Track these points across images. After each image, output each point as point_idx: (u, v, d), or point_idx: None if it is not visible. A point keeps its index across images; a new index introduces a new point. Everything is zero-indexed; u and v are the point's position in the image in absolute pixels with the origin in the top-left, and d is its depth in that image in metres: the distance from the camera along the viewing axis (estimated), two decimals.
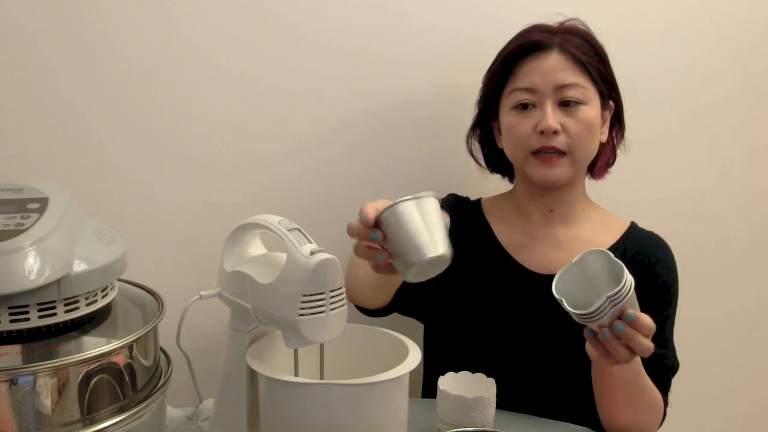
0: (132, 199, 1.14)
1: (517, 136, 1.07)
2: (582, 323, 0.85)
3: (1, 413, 0.63)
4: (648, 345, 0.84)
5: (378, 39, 1.23)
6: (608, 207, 1.18)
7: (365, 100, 1.25)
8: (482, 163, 1.21)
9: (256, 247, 0.91)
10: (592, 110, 1.06)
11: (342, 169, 1.25)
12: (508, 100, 1.08)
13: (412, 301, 1.11)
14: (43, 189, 0.73)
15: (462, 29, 1.27)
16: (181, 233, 1.17)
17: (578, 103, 1.05)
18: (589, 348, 0.88)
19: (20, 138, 1.08)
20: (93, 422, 0.67)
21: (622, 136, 1.16)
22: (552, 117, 1.03)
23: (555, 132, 1.03)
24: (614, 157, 1.17)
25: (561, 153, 1.05)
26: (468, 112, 1.19)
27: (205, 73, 1.15)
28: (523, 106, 1.06)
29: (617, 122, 1.14)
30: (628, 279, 0.82)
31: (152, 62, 1.12)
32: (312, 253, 0.78)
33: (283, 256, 0.81)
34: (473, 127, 1.19)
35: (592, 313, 0.82)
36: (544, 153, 1.05)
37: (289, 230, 0.81)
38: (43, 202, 0.71)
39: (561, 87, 1.04)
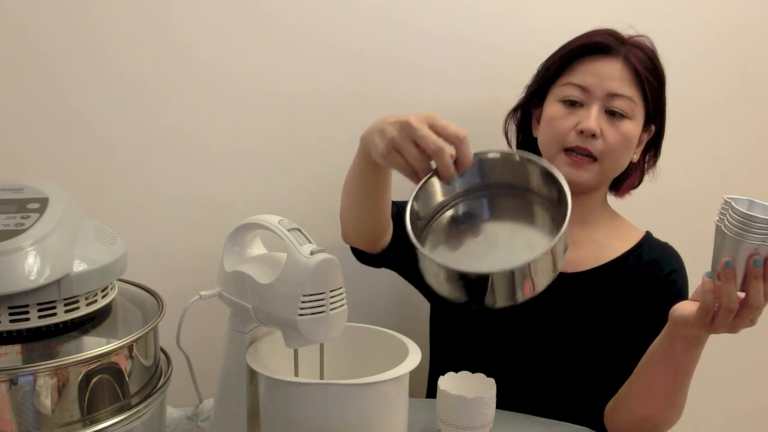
0: (132, 199, 1.14)
1: (557, 129, 1.07)
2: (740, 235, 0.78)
3: (1, 413, 0.63)
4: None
5: (388, 47, 1.23)
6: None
7: (370, 106, 1.24)
8: (513, 147, 1.21)
9: (256, 247, 0.91)
10: (634, 126, 1.06)
11: (343, 171, 1.25)
12: (558, 92, 1.09)
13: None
14: (43, 189, 0.73)
15: (484, 42, 1.28)
16: (181, 233, 1.17)
17: (624, 116, 1.05)
18: (703, 293, 0.84)
19: (20, 138, 1.08)
20: (93, 422, 0.67)
21: (655, 162, 1.17)
22: (595, 120, 1.03)
23: (593, 135, 1.04)
24: (641, 179, 1.18)
25: (592, 158, 1.05)
26: (482, 126, 1.19)
27: (206, 73, 1.15)
28: (571, 103, 1.06)
29: (653, 147, 1.15)
30: None
31: (153, 63, 1.12)
32: (312, 253, 0.78)
33: (283, 256, 0.81)
34: (515, 110, 1.19)
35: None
36: (577, 154, 1.05)
37: (289, 230, 0.81)
38: (43, 202, 0.71)
39: (613, 95, 1.05)
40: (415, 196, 0.84)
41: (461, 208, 0.90)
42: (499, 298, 0.79)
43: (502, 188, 0.90)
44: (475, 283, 0.78)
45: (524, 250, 0.81)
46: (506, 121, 1.21)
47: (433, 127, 0.82)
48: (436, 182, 0.87)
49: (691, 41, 1.43)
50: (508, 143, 1.22)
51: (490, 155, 0.88)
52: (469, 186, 0.90)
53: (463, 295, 0.80)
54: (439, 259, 0.80)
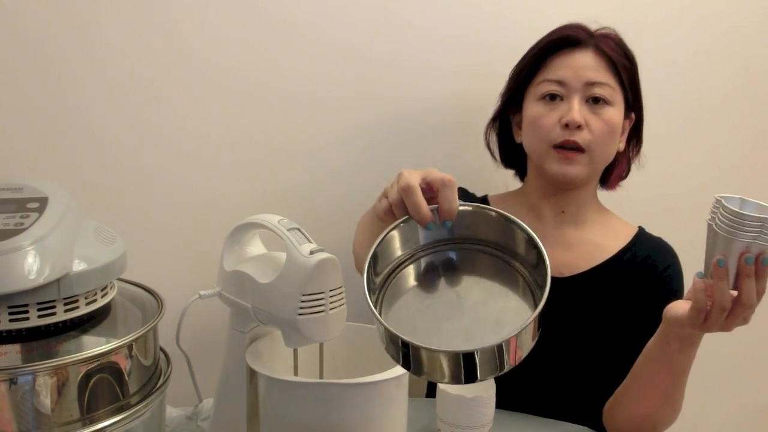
0: (132, 199, 1.14)
1: (541, 127, 1.07)
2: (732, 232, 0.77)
3: (0, 413, 0.63)
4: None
5: (389, 45, 1.23)
6: (605, 204, 1.18)
7: (369, 104, 1.25)
8: (497, 156, 1.21)
9: (256, 247, 0.91)
10: (616, 112, 1.07)
11: (341, 170, 1.25)
12: (536, 91, 1.09)
13: None
14: (43, 188, 0.73)
15: (480, 38, 1.28)
16: (181, 233, 1.17)
17: (605, 102, 1.06)
18: (695, 292, 0.83)
19: (20, 138, 1.08)
20: (92, 422, 0.67)
21: (639, 151, 1.17)
22: (578, 111, 1.04)
23: (579, 127, 1.04)
24: (629, 169, 1.18)
25: (580, 150, 1.05)
26: (479, 121, 1.18)
27: (206, 72, 1.15)
28: (551, 97, 1.06)
29: (636, 136, 1.15)
30: None
31: (153, 62, 1.12)
32: (311, 252, 0.78)
33: (282, 256, 0.81)
34: (493, 119, 1.19)
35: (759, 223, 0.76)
36: (565, 148, 1.05)
37: (288, 230, 0.81)
38: (43, 202, 0.71)
39: (591, 84, 1.05)
40: (383, 239, 0.78)
41: (433, 259, 0.83)
42: (433, 374, 0.72)
43: (480, 244, 0.83)
44: (405, 351, 0.71)
45: (490, 327, 0.74)
46: (486, 132, 1.20)
47: (423, 180, 0.80)
48: (414, 229, 0.81)
49: (691, 41, 1.43)
50: (492, 154, 1.21)
51: (462, 207, 0.80)
52: (444, 238, 0.83)
53: (396, 355, 0.73)
54: (378, 314, 0.73)
